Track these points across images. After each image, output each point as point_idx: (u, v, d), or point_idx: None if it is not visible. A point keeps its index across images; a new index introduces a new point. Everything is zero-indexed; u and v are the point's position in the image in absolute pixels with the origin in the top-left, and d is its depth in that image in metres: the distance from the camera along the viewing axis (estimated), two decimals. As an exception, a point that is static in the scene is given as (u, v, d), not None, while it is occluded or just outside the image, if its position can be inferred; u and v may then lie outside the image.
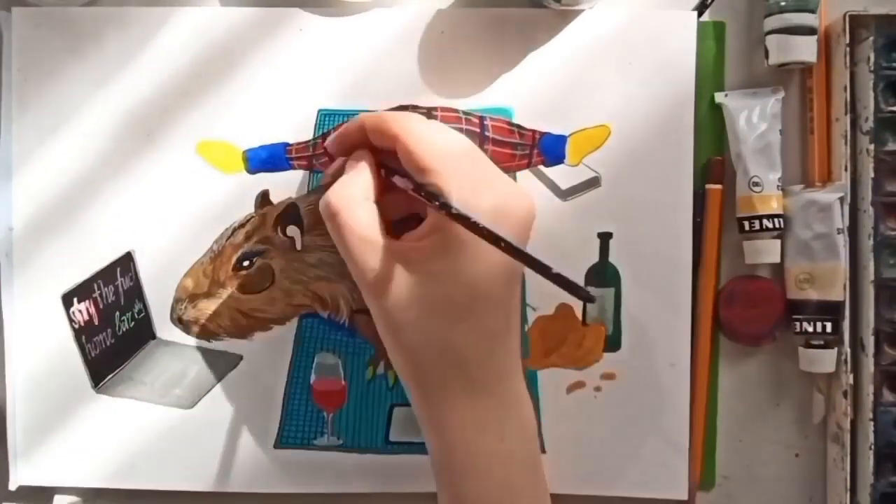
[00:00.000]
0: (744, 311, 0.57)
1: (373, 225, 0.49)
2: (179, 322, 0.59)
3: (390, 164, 0.50)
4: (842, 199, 0.56)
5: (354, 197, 0.49)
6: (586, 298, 0.45)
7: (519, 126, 0.58)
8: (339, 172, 0.52)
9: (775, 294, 0.58)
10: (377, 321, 0.50)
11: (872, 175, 0.56)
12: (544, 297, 0.58)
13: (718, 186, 0.58)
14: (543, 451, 0.58)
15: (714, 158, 0.58)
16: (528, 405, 0.52)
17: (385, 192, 0.51)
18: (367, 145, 0.51)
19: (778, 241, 0.57)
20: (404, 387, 0.51)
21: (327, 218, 0.49)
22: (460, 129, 0.58)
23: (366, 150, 0.51)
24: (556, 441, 0.58)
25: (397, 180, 0.49)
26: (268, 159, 0.58)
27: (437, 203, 0.46)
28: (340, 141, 0.53)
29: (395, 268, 0.48)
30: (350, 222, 0.48)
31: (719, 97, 0.58)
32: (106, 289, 0.59)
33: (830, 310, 0.56)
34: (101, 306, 0.59)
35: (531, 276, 0.57)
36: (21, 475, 0.59)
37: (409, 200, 0.50)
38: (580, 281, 0.58)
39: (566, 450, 0.58)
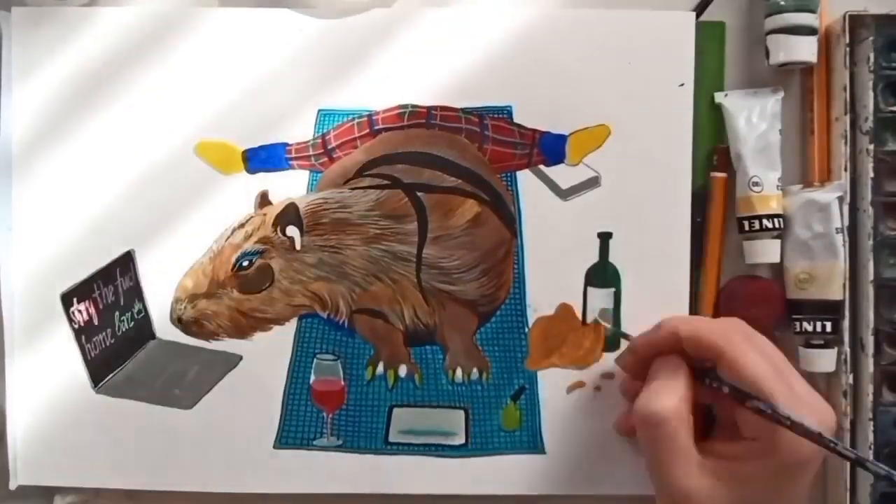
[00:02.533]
0: (744, 311, 0.57)
1: (690, 440, 0.49)
2: (179, 322, 0.59)
3: (705, 369, 0.51)
4: (840, 199, 0.56)
5: (677, 410, 0.49)
6: None
7: (519, 125, 0.58)
8: (634, 368, 0.53)
9: (775, 294, 0.58)
10: None
11: (872, 175, 0.56)
12: (545, 297, 0.58)
13: (723, 175, 0.57)
14: (544, 451, 0.58)
15: (719, 146, 0.58)
16: None
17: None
18: (677, 350, 0.51)
19: (778, 241, 0.57)
20: None
21: (647, 427, 0.49)
22: (460, 129, 0.58)
23: (679, 357, 0.51)
24: (556, 440, 0.58)
25: (713, 385, 0.50)
26: (267, 159, 0.58)
27: (768, 413, 0.47)
28: (648, 350, 0.53)
29: (710, 487, 0.48)
30: (674, 436, 0.48)
31: (719, 97, 0.58)
32: (105, 289, 0.59)
33: (830, 309, 0.56)
34: (100, 306, 0.59)
35: (532, 276, 0.58)
36: (21, 475, 0.59)
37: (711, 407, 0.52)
38: (580, 281, 0.58)
39: (566, 449, 0.58)
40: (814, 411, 0.47)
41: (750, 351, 0.49)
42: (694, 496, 0.48)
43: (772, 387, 0.47)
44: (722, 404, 0.52)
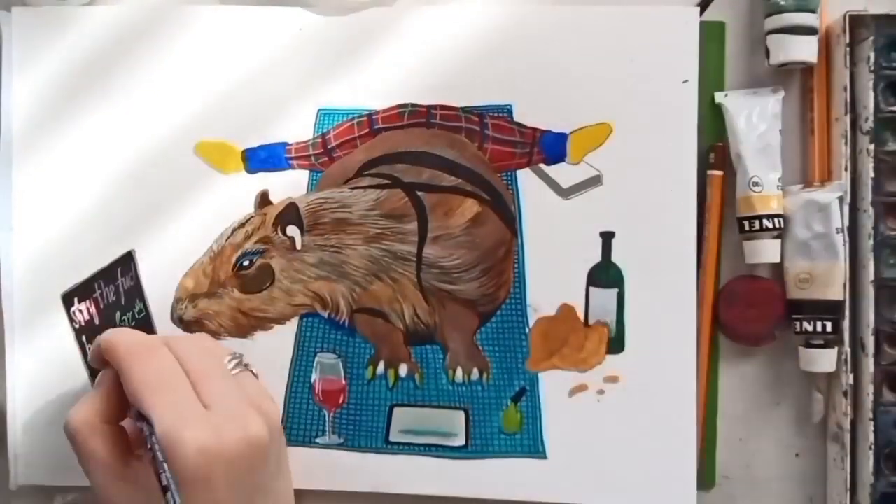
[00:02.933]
0: (744, 311, 0.57)
1: (105, 446, 0.49)
2: (180, 322, 0.59)
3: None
4: (841, 199, 0.56)
5: (87, 421, 0.50)
6: None
7: (519, 124, 0.58)
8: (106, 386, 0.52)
9: (775, 294, 0.57)
10: None
11: (872, 175, 0.56)
12: (546, 298, 0.58)
13: (720, 172, 0.57)
14: (546, 456, 0.57)
15: (716, 145, 0.57)
16: None
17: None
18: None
19: (778, 241, 0.57)
20: None
21: (69, 438, 0.50)
22: (460, 128, 0.58)
23: (110, 370, 0.51)
24: (558, 445, 0.57)
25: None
26: (267, 159, 0.58)
27: (144, 434, 0.48)
28: (92, 357, 0.53)
29: (126, 494, 0.49)
30: (86, 445, 0.49)
31: (719, 97, 0.58)
32: (106, 288, 0.59)
33: (830, 309, 0.56)
34: (101, 306, 0.59)
35: (533, 276, 0.58)
36: (21, 475, 0.59)
37: None
38: (582, 281, 0.57)
39: (568, 454, 0.57)
40: (229, 418, 0.47)
41: (144, 360, 0.49)
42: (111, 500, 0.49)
43: (154, 400, 0.47)
44: None
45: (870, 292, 0.56)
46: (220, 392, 0.49)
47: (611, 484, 0.57)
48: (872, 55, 0.55)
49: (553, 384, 0.58)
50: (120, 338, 0.50)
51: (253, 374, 0.53)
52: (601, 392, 0.57)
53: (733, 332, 0.58)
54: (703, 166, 0.58)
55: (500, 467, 0.58)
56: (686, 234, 0.57)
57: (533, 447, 0.58)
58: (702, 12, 0.57)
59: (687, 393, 0.57)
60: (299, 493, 0.58)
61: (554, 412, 0.58)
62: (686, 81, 0.57)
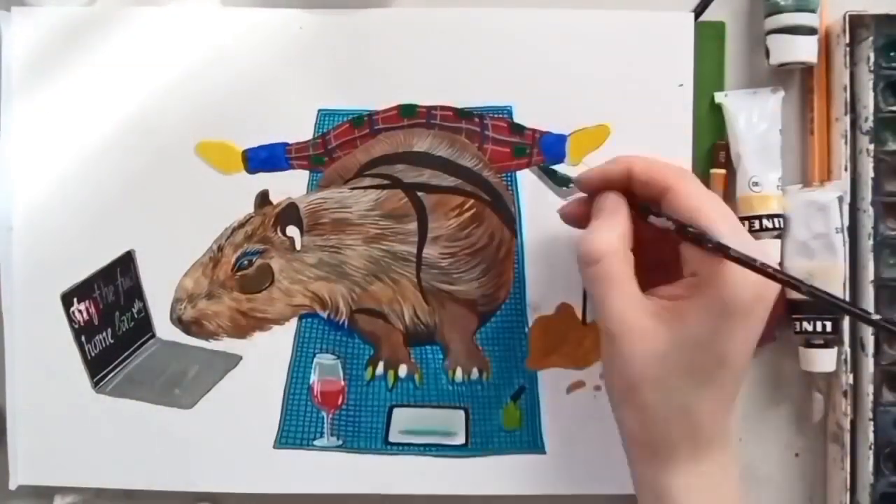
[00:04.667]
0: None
1: (631, 275, 0.47)
2: (179, 322, 0.59)
3: (651, 206, 0.48)
4: (840, 199, 0.56)
5: (616, 246, 0.47)
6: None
7: (519, 125, 0.58)
8: (574, 214, 0.52)
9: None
10: (612, 375, 0.49)
11: (872, 175, 0.56)
12: (545, 297, 0.58)
13: (722, 171, 0.57)
14: (545, 451, 0.58)
15: (719, 143, 0.58)
16: (737, 472, 0.50)
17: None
18: (622, 189, 0.49)
19: (778, 241, 0.57)
20: (624, 446, 0.50)
21: (587, 264, 0.47)
22: (460, 129, 0.58)
23: (619, 195, 0.49)
24: (556, 441, 0.58)
25: (654, 220, 0.47)
26: (267, 159, 0.58)
27: (710, 244, 0.44)
28: (597, 184, 0.50)
29: (648, 324, 0.46)
30: (612, 272, 0.47)
31: (719, 97, 0.58)
32: (106, 288, 0.59)
33: (830, 309, 0.56)
34: (100, 306, 0.59)
35: (532, 276, 0.58)
36: (21, 475, 0.59)
37: (656, 249, 0.49)
38: (580, 281, 0.57)
39: (566, 449, 0.58)
40: (757, 255, 0.45)
41: (696, 186, 0.47)
42: (631, 332, 0.46)
43: (716, 219, 0.45)
44: (667, 249, 0.49)
45: (870, 292, 0.56)
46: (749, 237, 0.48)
47: (608, 476, 0.57)
48: (872, 55, 0.55)
49: (551, 382, 0.58)
50: (665, 163, 0.49)
51: None
52: (598, 388, 0.58)
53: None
54: (707, 165, 0.58)
55: (501, 464, 0.58)
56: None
57: (532, 443, 0.58)
58: (698, 16, 0.58)
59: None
60: (298, 497, 0.58)
61: (552, 409, 0.58)
62: (682, 85, 0.57)
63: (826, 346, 0.56)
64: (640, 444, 0.49)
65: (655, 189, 0.48)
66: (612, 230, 0.48)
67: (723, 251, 0.44)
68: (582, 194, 0.52)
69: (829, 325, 0.56)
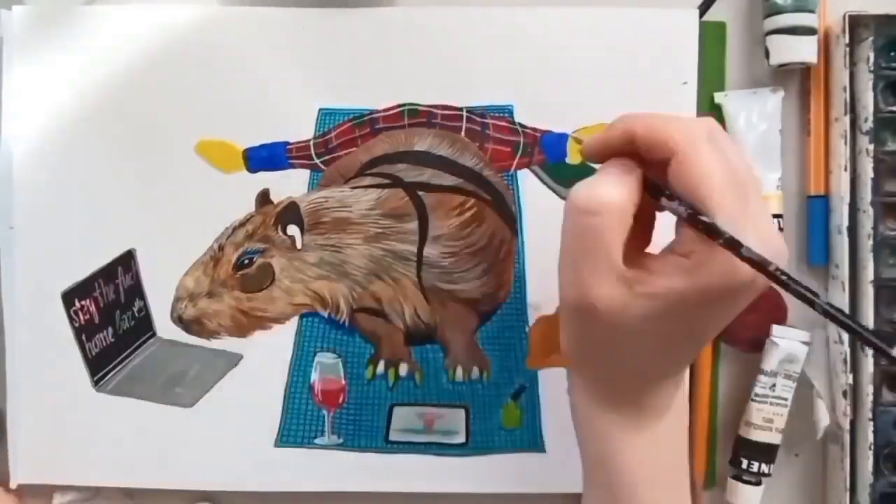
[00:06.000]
0: (744, 317, 0.57)
1: (622, 243, 0.42)
2: (180, 321, 0.59)
3: (657, 181, 0.43)
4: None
5: (622, 204, 0.42)
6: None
7: (520, 124, 0.58)
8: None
9: (775, 300, 0.57)
10: (574, 338, 0.46)
11: (872, 175, 0.56)
12: (545, 296, 0.58)
13: None
14: (544, 450, 0.58)
15: None
16: (684, 443, 0.49)
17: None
18: (631, 154, 0.44)
19: (778, 241, 0.57)
20: (572, 405, 0.49)
21: (581, 213, 0.42)
22: (460, 128, 0.58)
23: (632, 162, 0.43)
24: (556, 439, 0.58)
25: (667, 204, 0.42)
26: (268, 158, 0.58)
27: (722, 239, 0.40)
28: (600, 149, 0.45)
29: (623, 299, 0.42)
30: (606, 231, 0.41)
31: (719, 97, 0.58)
32: (106, 287, 0.59)
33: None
34: (101, 305, 0.59)
35: (533, 275, 0.58)
36: (21, 473, 0.59)
37: (643, 216, 0.44)
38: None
39: (566, 449, 0.57)
40: (764, 240, 0.40)
41: (708, 152, 0.41)
42: (605, 304, 0.42)
43: (720, 197, 0.40)
44: (646, 213, 0.45)
45: (869, 292, 0.56)
46: (764, 208, 0.43)
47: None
48: (872, 55, 0.55)
49: (551, 381, 0.58)
50: (671, 121, 0.43)
51: None
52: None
53: (734, 337, 0.58)
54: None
55: (501, 462, 0.58)
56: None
57: (532, 442, 0.58)
58: (702, 15, 0.58)
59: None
60: (299, 495, 0.58)
61: (552, 407, 0.58)
62: (685, 83, 0.57)
63: (757, 484, 0.57)
64: (590, 405, 0.47)
65: (659, 155, 0.42)
66: (621, 185, 0.42)
67: (734, 248, 0.40)
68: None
69: (766, 467, 0.56)
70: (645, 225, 0.45)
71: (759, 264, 0.39)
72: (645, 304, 0.41)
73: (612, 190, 0.42)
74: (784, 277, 0.39)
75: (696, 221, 0.41)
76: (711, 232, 0.40)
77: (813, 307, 0.39)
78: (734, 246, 0.40)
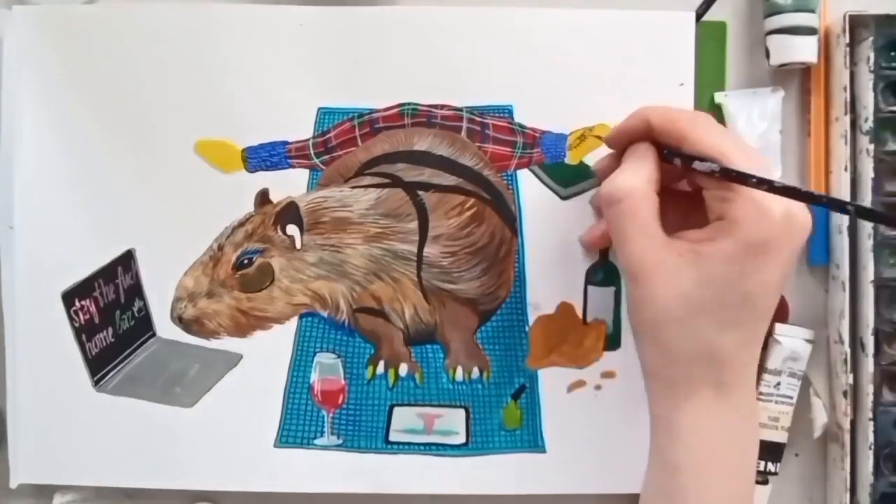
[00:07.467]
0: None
1: (655, 216, 0.48)
2: (179, 321, 0.59)
3: (671, 148, 0.49)
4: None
5: (640, 186, 0.48)
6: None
7: (520, 124, 0.58)
8: (608, 168, 0.52)
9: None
10: (636, 313, 0.49)
11: (872, 175, 0.56)
12: (545, 296, 0.58)
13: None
14: (545, 450, 0.58)
15: None
16: (755, 419, 0.51)
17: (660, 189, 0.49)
18: (648, 139, 0.50)
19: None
20: (646, 383, 0.50)
21: (609, 204, 0.48)
22: (460, 128, 0.58)
23: (648, 144, 0.50)
24: (556, 439, 0.58)
25: (699, 165, 0.47)
26: (267, 158, 0.58)
27: (754, 180, 0.45)
28: (620, 138, 0.51)
29: (671, 263, 0.47)
30: (636, 210, 0.47)
31: (719, 97, 0.58)
32: (106, 287, 0.59)
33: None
34: (101, 305, 0.59)
35: (533, 274, 0.58)
36: (21, 474, 0.59)
37: (686, 200, 0.51)
38: (580, 279, 0.58)
39: (567, 448, 0.58)
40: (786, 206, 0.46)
41: (708, 128, 0.48)
42: (654, 271, 0.47)
43: (734, 154, 0.46)
44: (695, 202, 0.50)
45: (870, 292, 0.56)
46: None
47: (608, 475, 0.58)
48: (872, 55, 0.55)
49: (552, 380, 0.58)
50: (682, 112, 0.50)
51: None
52: (598, 387, 0.58)
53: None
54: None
55: (501, 463, 0.58)
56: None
57: (533, 442, 0.58)
58: (701, 16, 0.58)
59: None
60: (298, 496, 0.58)
61: (553, 408, 0.58)
62: (682, 84, 0.57)
63: (764, 483, 0.57)
64: (660, 381, 0.49)
65: (674, 140, 0.48)
66: (636, 172, 0.49)
67: (768, 183, 0.45)
68: (612, 151, 0.53)
69: (772, 466, 0.57)
70: (692, 205, 0.50)
71: (792, 190, 0.44)
72: (693, 267, 0.46)
73: (629, 176, 0.48)
74: (815, 193, 0.45)
75: (728, 171, 0.46)
76: (742, 177, 0.45)
77: (846, 213, 0.47)
78: (766, 183, 0.45)
